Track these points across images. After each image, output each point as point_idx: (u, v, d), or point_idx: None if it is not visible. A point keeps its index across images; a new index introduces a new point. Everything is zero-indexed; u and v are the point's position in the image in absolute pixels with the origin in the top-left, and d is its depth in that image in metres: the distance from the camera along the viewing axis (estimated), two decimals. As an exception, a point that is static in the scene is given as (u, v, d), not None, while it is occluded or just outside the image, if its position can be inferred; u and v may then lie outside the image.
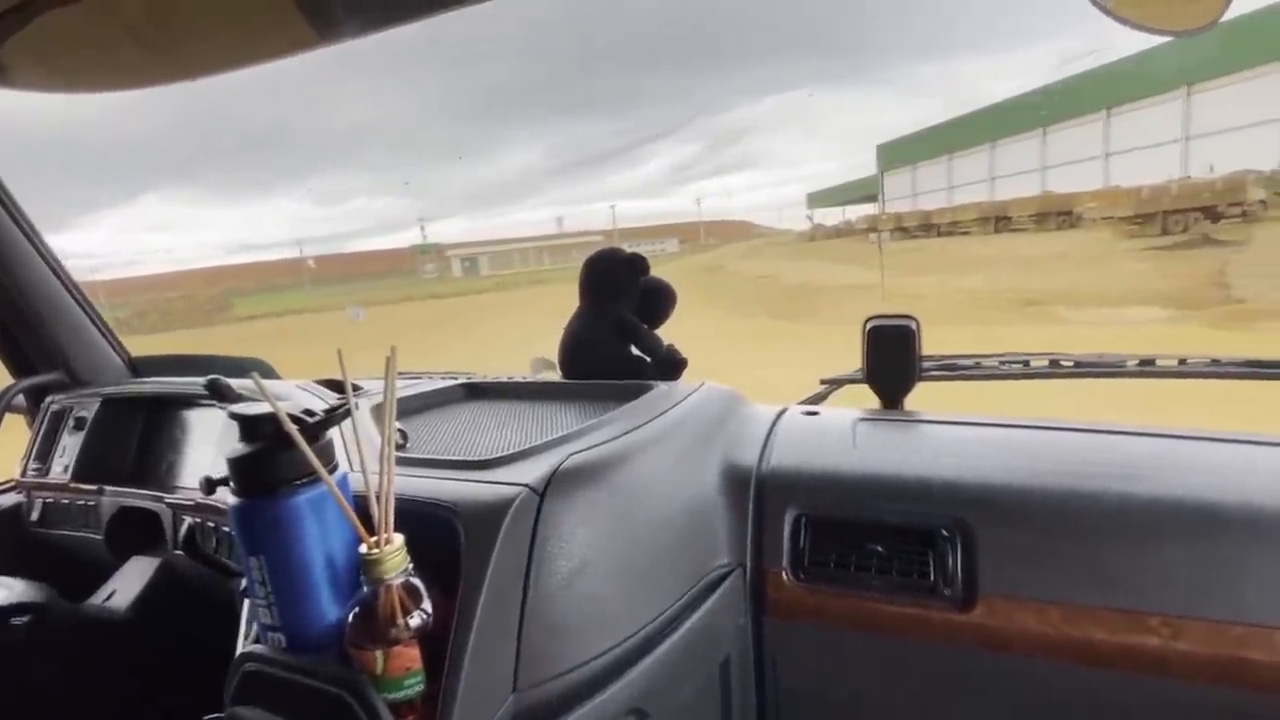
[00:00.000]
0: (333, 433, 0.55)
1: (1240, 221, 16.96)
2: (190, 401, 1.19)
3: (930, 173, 41.64)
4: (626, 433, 0.72)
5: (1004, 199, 28.57)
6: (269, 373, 1.43)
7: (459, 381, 1.05)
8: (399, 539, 0.51)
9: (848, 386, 1.04)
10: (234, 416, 0.52)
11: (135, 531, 1.14)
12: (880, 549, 0.72)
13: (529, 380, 1.05)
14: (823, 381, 1.06)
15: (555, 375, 1.05)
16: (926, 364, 0.96)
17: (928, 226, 30.66)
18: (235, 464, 0.51)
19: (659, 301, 1.04)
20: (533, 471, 0.62)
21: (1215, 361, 0.86)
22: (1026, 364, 0.96)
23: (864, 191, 49.47)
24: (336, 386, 1.04)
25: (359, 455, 0.53)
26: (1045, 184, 30.79)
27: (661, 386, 0.89)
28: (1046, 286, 10.83)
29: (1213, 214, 17.21)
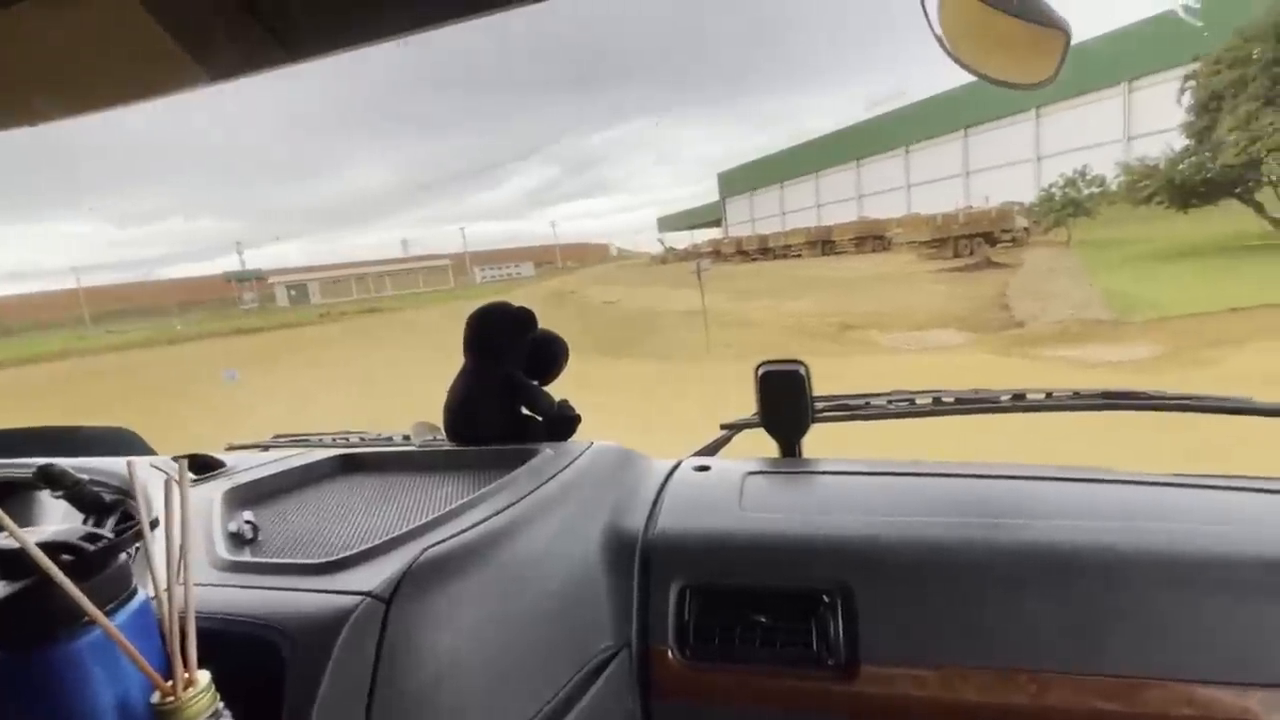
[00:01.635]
0: (154, 541, 0.46)
1: (1012, 246, 19.82)
2: (26, 487, 1.03)
3: (767, 199, 44.94)
4: (504, 509, 0.68)
5: (828, 224, 31.26)
6: (136, 445, 1.31)
7: (334, 453, 0.97)
8: (204, 677, 0.43)
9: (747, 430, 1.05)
10: None
11: None
12: (764, 619, 0.71)
13: (410, 449, 0.99)
14: (722, 427, 1.07)
15: (440, 439, 1.02)
16: (819, 405, 0.98)
17: (764, 250, 32.84)
18: None
19: (549, 356, 1.00)
20: (383, 572, 0.56)
21: (1076, 394, 0.93)
22: (912, 401, 1.00)
23: (709, 216, 52.14)
24: (204, 465, 0.93)
25: (158, 575, 0.46)
26: (862, 210, 34.37)
27: (547, 450, 0.85)
28: (864, 309, 11.47)
29: (991, 239, 19.85)
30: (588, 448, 0.88)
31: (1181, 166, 13.74)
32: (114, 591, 0.44)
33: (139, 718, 0.43)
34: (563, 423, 0.97)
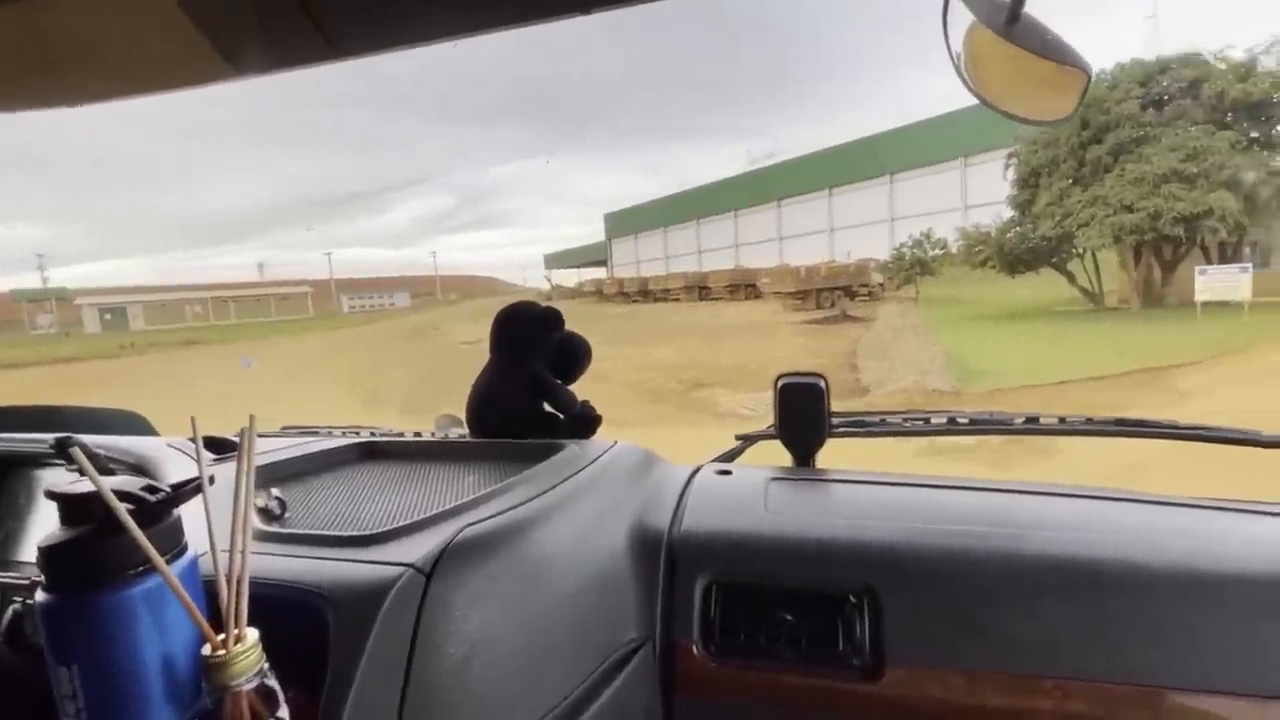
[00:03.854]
0: (194, 505, 0.48)
1: (869, 300, 20.86)
2: (39, 462, 1.02)
3: (651, 242, 45.59)
4: (533, 498, 0.69)
5: (705, 271, 31.89)
6: (144, 427, 1.29)
7: (355, 440, 0.96)
8: (253, 635, 0.44)
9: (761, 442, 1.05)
10: (51, 496, 0.45)
11: None
12: (790, 617, 0.71)
13: (433, 440, 1.01)
14: (738, 437, 1.06)
15: (462, 433, 1.02)
16: (835, 420, 0.98)
17: (645, 292, 32.84)
18: (46, 553, 0.43)
19: (573, 357, 1.00)
20: (422, 547, 0.57)
21: (1089, 420, 0.95)
22: (927, 421, 1.01)
23: (595, 256, 52.09)
24: (220, 446, 0.93)
25: (213, 534, 0.46)
26: (739, 259, 35.50)
27: (573, 446, 0.85)
28: (722, 362, 10.97)
29: (850, 292, 20.77)
30: (611, 446, 0.88)
31: (1009, 235, 14.87)
32: (169, 544, 0.45)
33: (185, 668, 0.45)
34: (585, 422, 0.97)
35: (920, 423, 1.00)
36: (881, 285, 21.24)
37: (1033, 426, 0.95)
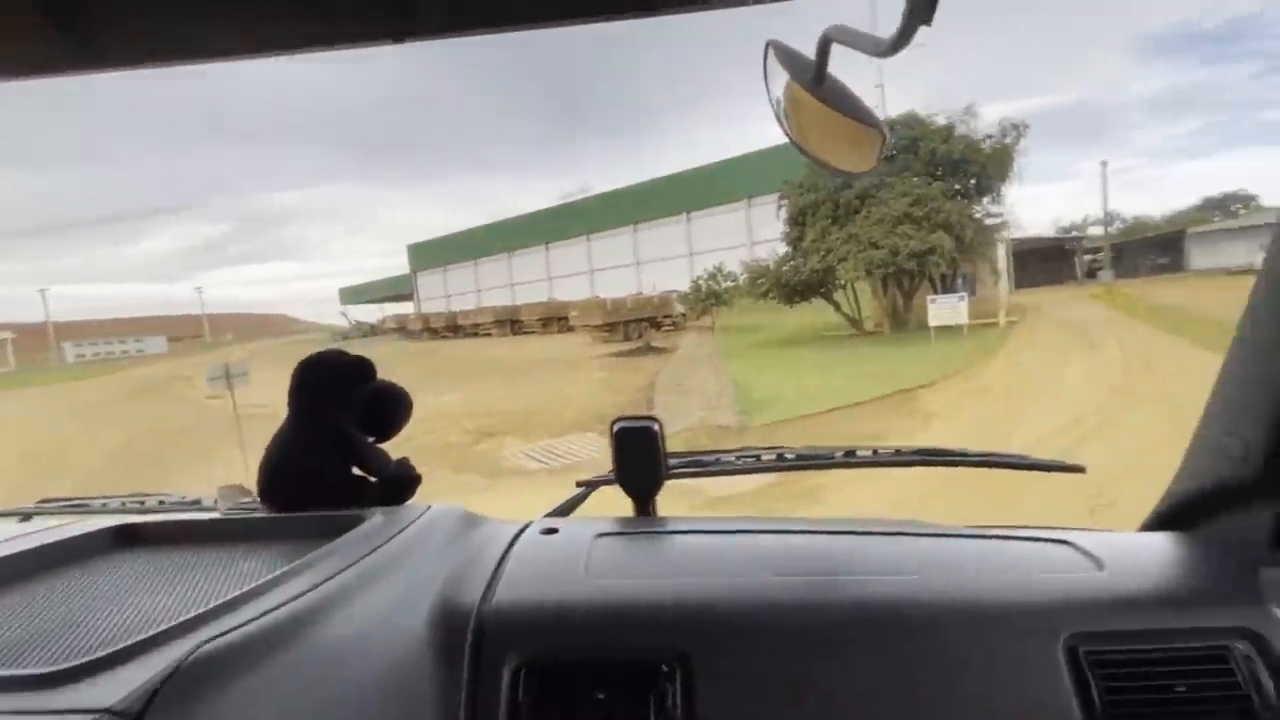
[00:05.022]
0: None
1: (673, 330, 21.71)
2: None
3: (461, 275, 43.59)
4: (319, 584, 0.62)
5: (517, 304, 31.06)
6: None
7: (108, 526, 0.84)
8: None
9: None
10: None
11: None
12: (603, 696, 0.67)
13: (208, 519, 0.88)
14: (578, 484, 1.07)
15: (251, 503, 0.92)
16: (673, 461, 0.99)
17: (454, 327, 31.01)
18: None
19: (387, 410, 0.93)
20: (133, 680, 0.46)
21: (898, 451, 1.02)
22: (758, 458, 1.04)
23: (400, 289, 48.51)
24: None
25: None
26: (552, 292, 35.27)
27: (377, 516, 0.79)
28: (517, 405, 10.25)
29: (656, 323, 21.44)
30: (424, 511, 0.83)
31: (785, 269, 16.27)
32: None
33: None
34: (400, 484, 0.91)
35: (752, 460, 1.04)
36: (684, 315, 22.18)
37: (850, 460, 1.02)
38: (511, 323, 28.37)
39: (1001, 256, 16.99)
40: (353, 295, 52.08)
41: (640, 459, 0.93)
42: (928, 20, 0.42)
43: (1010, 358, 10.47)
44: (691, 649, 0.66)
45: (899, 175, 14.60)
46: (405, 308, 44.82)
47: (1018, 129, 15.38)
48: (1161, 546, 0.76)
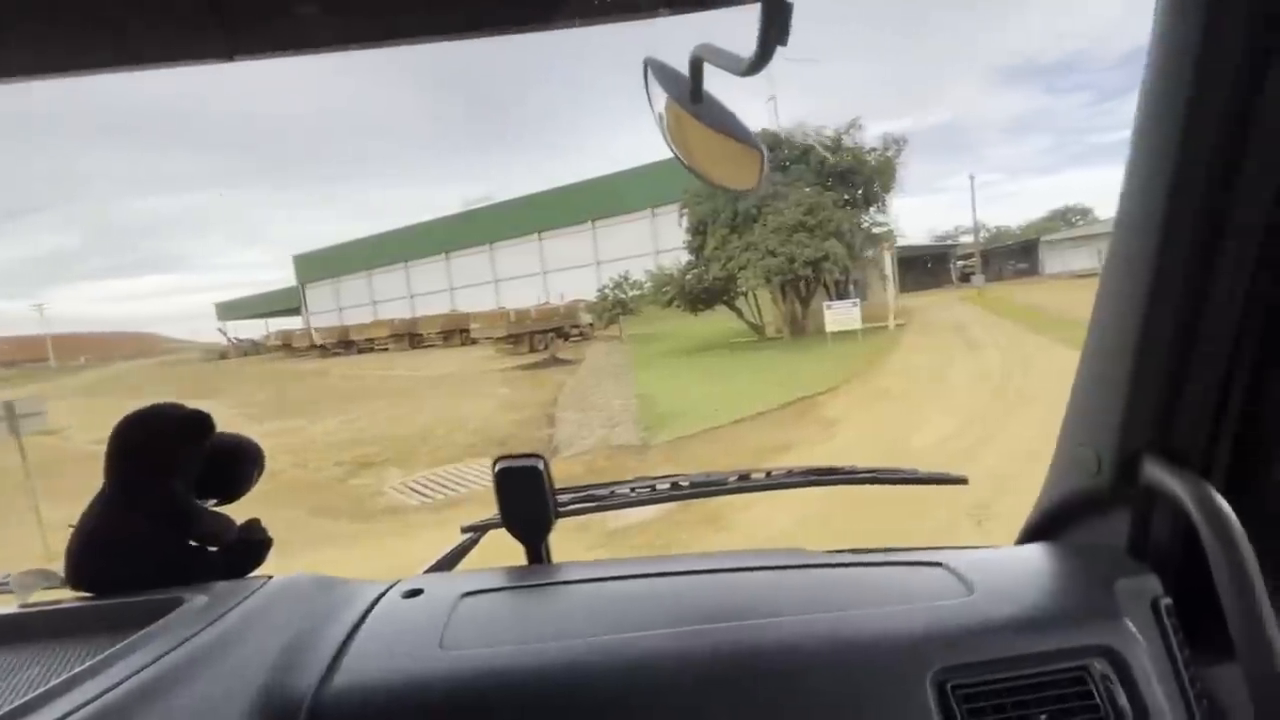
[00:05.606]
0: None
1: (580, 340, 21.30)
2: None
3: (355, 287, 40.93)
4: (117, 684, 0.54)
5: (415, 317, 29.44)
6: None
7: None
8: None
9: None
10: None
11: None
12: None
13: None
14: (463, 530, 1.02)
15: (57, 591, 0.81)
16: (563, 498, 0.94)
17: (346, 343, 28.84)
18: None
19: (230, 468, 0.82)
20: None
21: (790, 472, 1.02)
22: (653, 488, 1.02)
23: (286, 303, 44.86)
24: None
25: None
26: (454, 303, 33.78)
27: (200, 597, 0.70)
28: (404, 429, 9.47)
29: (563, 333, 20.95)
30: (264, 584, 0.75)
31: (688, 277, 16.29)
32: None
33: None
34: (246, 551, 0.80)
35: (647, 490, 1.02)
36: (591, 325, 21.84)
37: (745, 484, 1.01)
38: (410, 336, 26.81)
39: (889, 263, 17.96)
40: (232, 310, 47.73)
41: (526, 501, 0.87)
42: (783, 41, 0.43)
43: (902, 359, 10.95)
44: None
45: (792, 184, 15.04)
46: (295, 322, 41.47)
47: (899, 143, 16.30)
48: (1030, 562, 0.76)
